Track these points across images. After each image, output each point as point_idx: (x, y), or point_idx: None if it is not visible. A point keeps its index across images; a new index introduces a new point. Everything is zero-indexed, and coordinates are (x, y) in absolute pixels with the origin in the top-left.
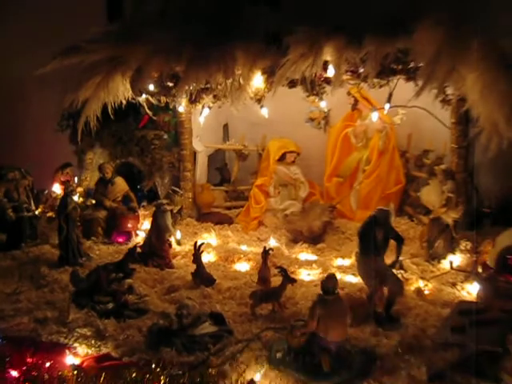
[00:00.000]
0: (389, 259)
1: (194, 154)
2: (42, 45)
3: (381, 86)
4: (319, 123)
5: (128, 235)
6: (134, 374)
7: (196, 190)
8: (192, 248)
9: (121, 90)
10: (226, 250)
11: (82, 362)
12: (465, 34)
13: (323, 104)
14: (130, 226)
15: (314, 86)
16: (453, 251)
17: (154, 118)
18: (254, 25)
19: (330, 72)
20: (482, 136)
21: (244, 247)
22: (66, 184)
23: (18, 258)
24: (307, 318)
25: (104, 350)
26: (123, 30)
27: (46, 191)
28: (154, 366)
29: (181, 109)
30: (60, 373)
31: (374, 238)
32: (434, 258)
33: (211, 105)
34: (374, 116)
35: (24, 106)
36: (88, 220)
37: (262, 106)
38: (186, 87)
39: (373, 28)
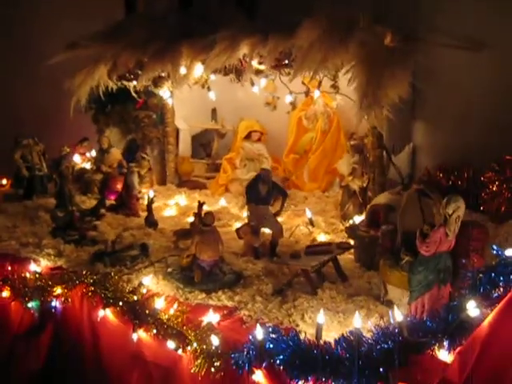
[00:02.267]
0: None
1: (178, 131)
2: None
3: (288, 74)
4: (274, 107)
5: (117, 194)
6: (69, 276)
7: (178, 161)
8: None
9: (104, 79)
10: (186, 207)
11: (42, 270)
12: (338, 30)
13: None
14: (118, 186)
15: (242, 75)
16: (361, 213)
17: (144, 100)
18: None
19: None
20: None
21: (204, 207)
22: (61, 148)
23: (28, 206)
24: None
25: (58, 264)
26: (111, 30)
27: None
28: (84, 272)
29: (161, 93)
30: (23, 275)
31: (258, 191)
32: (345, 218)
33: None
34: (316, 94)
35: (58, 89)
36: (87, 181)
37: (209, 90)
38: (147, 75)
39: (276, 29)
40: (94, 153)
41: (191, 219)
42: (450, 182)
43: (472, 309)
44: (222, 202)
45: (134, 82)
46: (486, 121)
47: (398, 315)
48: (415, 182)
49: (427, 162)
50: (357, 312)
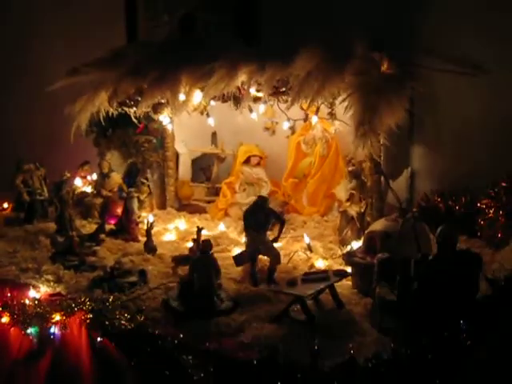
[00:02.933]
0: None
1: (178, 155)
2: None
3: (286, 101)
4: (273, 132)
5: (117, 218)
6: (68, 303)
7: (178, 185)
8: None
9: (104, 105)
10: (186, 232)
11: (41, 296)
12: (334, 59)
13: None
14: (118, 211)
15: (240, 102)
16: (359, 239)
17: (144, 124)
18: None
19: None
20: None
21: (204, 231)
22: (62, 173)
23: (28, 230)
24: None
25: (57, 290)
26: (112, 56)
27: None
28: (82, 298)
29: (161, 118)
30: (23, 301)
31: (256, 218)
32: (343, 244)
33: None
34: (314, 120)
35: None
36: (87, 205)
37: (208, 116)
38: (147, 102)
39: (273, 57)
40: (94, 176)
41: (190, 244)
42: (448, 208)
43: None
44: (222, 227)
45: (135, 108)
46: (484, 145)
47: None
48: (412, 209)
49: (425, 186)
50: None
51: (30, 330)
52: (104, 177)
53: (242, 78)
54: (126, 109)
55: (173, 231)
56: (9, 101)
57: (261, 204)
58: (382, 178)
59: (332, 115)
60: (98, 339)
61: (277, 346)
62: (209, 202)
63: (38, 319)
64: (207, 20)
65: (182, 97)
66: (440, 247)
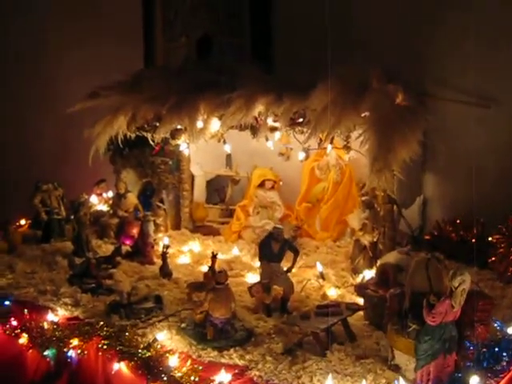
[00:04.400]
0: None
1: (193, 177)
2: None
3: (302, 132)
4: (288, 157)
5: (133, 239)
6: (85, 328)
7: (192, 207)
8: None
9: (122, 129)
10: (200, 255)
11: (59, 320)
12: (350, 92)
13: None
14: (134, 231)
15: (257, 132)
16: (371, 267)
17: (161, 146)
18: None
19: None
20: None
21: (218, 255)
22: (79, 195)
23: (45, 249)
24: (203, 300)
25: (75, 314)
26: (130, 80)
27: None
28: (100, 324)
29: (179, 142)
30: (41, 324)
31: (271, 249)
32: (356, 272)
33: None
34: (328, 149)
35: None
36: (103, 225)
37: (224, 143)
38: (165, 128)
39: (291, 87)
40: (110, 193)
41: (205, 268)
42: (460, 238)
43: None
44: (235, 251)
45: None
46: (497, 174)
47: None
48: (424, 240)
49: (438, 214)
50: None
51: (47, 352)
52: (120, 197)
53: (259, 108)
54: (144, 133)
55: (187, 254)
56: (26, 119)
57: (276, 235)
58: (395, 207)
59: (347, 148)
60: (115, 365)
61: None
62: (222, 223)
63: (55, 342)
64: (224, 42)
65: (199, 124)
66: None
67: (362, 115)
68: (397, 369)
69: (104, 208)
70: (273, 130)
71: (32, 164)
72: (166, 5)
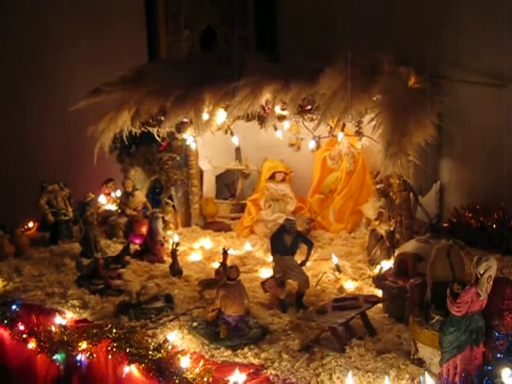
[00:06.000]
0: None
1: (202, 172)
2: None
3: (312, 120)
4: (298, 148)
5: (142, 237)
6: (94, 330)
7: (202, 203)
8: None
9: (127, 124)
10: (211, 252)
11: (67, 323)
12: (361, 76)
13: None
14: (143, 230)
15: (264, 121)
16: (389, 258)
17: (168, 142)
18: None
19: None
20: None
21: (230, 250)
22: (86, 193)
23: (53, 251)
24: (214, 297)
25: (83, 316)
26: (133, 75)
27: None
28: (108, 326)
29: (185, 136)
30: (49, 328)
31: (283, 242)
32: (373, 263)
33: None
34: (340, 136)
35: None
36: (112, 225)
37: (232, 135)
38: (170, 122)
39: (297, 75)
40: (118, 193)
41: (216, 265)
42: (480, 224)
43: (507, 378)
44: (247, 246)
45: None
46: None
47: (429, 382)
48: (443, 228)
49: (455, 200)
50: (386, 377)
51: (56, 357)
52: (128, 195)
53: (266, 96)
54: (149, 128)
55: (198, 251)
56: (30, 119)
57: (288, 227)
58: (411, 195)
59: (359, 133)
60: (125, 368)
61: None
62: (234, 218)
63: (64, 346)
64: (228, 34)
65: (205, 116)
66: None
67: (374, 98)
68: (421, 363)
69: (112, 207)
70: (281, 118)
71: (38, 165)
72: None
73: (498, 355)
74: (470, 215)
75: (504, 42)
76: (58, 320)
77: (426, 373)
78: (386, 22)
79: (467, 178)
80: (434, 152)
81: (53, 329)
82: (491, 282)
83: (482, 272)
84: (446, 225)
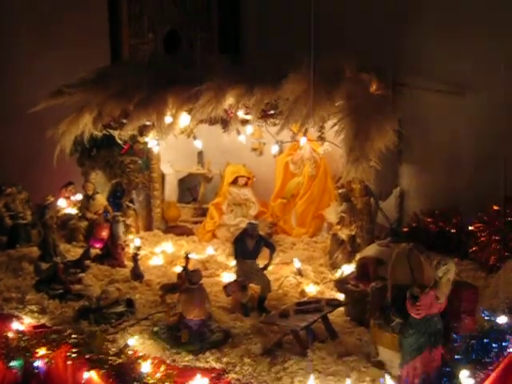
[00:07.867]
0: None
1: (164, 176)
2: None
3: (274, 125)
4: (261, 152)
5: (103, 241)
6: (53, 336)
7: (164, 206)
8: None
9: (88, 127)
10: (173, 256)
11: (25, 328)
12: (323, 82)
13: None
14: (104, 234)
15: (228, 125)
16: (350, 262)
17: (130, 145)
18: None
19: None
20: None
21: (192, 255)
22: (45, 198)
23: (11, 255)
24: (176, 301)
25: (42, 321)
26: (95, 77)
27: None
28: (68, 331)
29: (148, 139)
30: (5, 334)
31: (245, 246)
32: (334, 267)
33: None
34: (302, 141)
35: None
36: (72, 228)
37: (195, 138)
38: (133, 124)
39: (261, 79)
40: (79, 196)
41: (178, 269)
42: (439, 228)
43: (465, 379)
44: (210, 251)
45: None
46: (474, 163)
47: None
48: (404, 234)
49: (415, 205)
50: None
51: (13, 363)
52: (89, 199)
53: (229, 101)
54: (111, 131)
55: (160, 255)
56: None
57: (251, 231)
58: (372, 199)
59: (321, 139)
60: (85, 374)
61: None
62: (196, 222)
63: (21, 353)
64: (192, 37)
65: (168, 119)
66: None
67: (336, 104)
68: (381, 365)
69: (73, 211)
70: (244, 122)
71: None
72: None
73: (456, 357)
74: (430, 220)
75: (462, 51)
76: (16, 326)
77: (386, 375)
78: (349, 28)
79: (427, 184)
80: (395, 158)
81: (10, 335)
82: (450, 286)
83: (440, 275)
84: (405, 229)
